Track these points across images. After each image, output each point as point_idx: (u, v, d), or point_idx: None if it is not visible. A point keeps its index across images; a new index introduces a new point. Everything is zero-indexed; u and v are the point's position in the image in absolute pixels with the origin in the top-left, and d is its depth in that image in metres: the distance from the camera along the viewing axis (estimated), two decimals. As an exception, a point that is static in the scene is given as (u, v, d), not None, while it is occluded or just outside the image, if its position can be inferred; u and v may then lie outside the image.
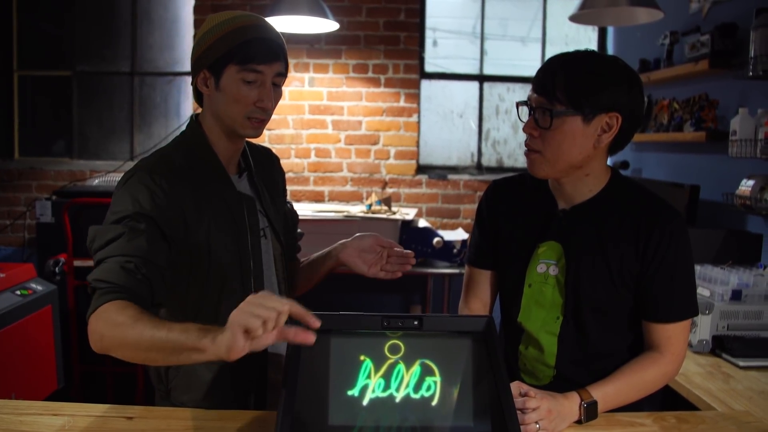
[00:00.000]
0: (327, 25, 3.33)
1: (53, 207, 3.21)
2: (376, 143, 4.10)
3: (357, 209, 3.57)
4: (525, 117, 1.34)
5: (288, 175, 4.05)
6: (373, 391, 0.97)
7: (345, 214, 3.39)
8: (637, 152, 3.52)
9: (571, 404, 1.24)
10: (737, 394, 1.64)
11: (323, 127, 4.08)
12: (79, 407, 1.33)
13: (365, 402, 0.97)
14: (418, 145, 4.14)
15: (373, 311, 1.09)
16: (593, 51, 1.31)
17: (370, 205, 3.55)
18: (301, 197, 4.10)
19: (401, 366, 0.99)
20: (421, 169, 4.18)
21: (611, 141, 1.30)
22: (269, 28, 1.34)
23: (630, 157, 3.54)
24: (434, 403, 0.97)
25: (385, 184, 4.12)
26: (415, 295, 4.01)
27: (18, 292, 2.42)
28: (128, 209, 1.22)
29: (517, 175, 1.51)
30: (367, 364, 0.99)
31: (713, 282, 2.06)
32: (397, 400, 0.97)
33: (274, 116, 4.47)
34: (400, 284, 3.99)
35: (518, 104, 1.35)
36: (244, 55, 1.29)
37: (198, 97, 1.41)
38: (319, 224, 3.28)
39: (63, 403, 1.35)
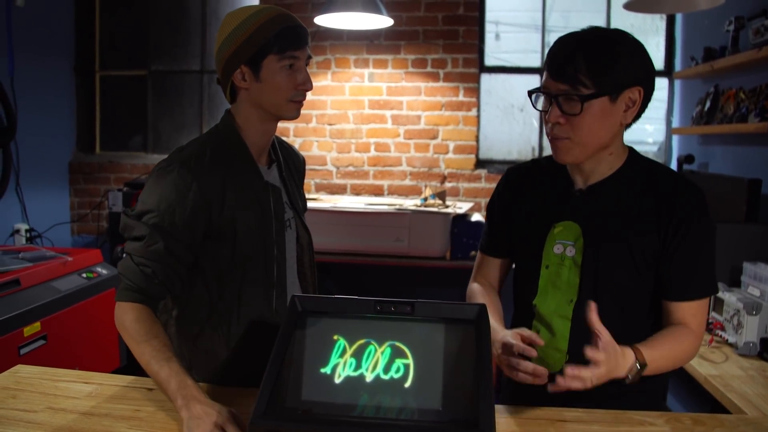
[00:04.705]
0: (381, 21, 3.37)
1: (124, 198, 3.43)
2: (435, 138, 4.10)
3: (413, 203, 3.59)
4: (540, 106, 1.32)
5: (348, 169, 4.15)
6: (344, 369, 1.00)
7: (397, 207, 3.43)
8: (703, 146, 3.35)
9: (625, 362, 1.19)
10: (775, 399, 1.55)
11: (383, 121, 4.13)
12: (107, 377, 1.43)
13: (337, 380, 1.00)
14: (477, 140, 4.11)
15: None
16: (598, 27, 1.28)
17: (425, 199, 3.57)
18: (360, 191, 4.16)
19: (373, 347, 1.02)
20: (480, 163, 4.15)
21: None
22: (292, 16, 1.41)
23: (696, 151, 3.36)
24: (407, 384, 0.99)
25: (444, 179, 4.12)
26: (472, 289, 4.00)
27: (84, 275, 2.62)
28: (153, 205, 1.32)
29: (530, 160, 1.50)
30: (341, 343, 1.02)
31: (764, 281, 1.94)
32: (368, 379, 1.00)
33: (334, 111, 4.52)
34: (457, 277, 4.01)
35: (530, 93, 1.33)
36: (281, 44, 1.36)
37: (232, 92, 1.45)
38: (371, 217, 3.34)
39: (94, 372, 1.46)
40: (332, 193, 4.13)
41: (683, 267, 1.28)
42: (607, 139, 1.28)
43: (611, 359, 1.14)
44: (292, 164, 1.62)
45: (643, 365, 1.21)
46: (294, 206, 1.56)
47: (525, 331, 1.24)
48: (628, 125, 1.32)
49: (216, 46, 1.41)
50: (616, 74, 1.22)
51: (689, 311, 1.30)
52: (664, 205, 1.27)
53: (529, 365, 1.19)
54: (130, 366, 2.97)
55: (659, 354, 1.25)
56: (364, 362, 1.00)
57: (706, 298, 1.32)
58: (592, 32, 1.26)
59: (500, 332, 1.27)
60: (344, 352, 1.01)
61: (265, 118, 1.44)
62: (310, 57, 1.43)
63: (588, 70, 1.21)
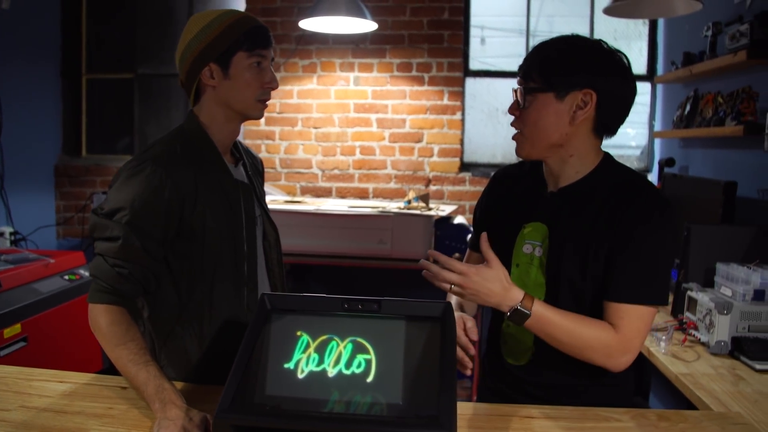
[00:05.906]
0: (366, 25, 3.40)
1: (109, 200, 3.44)
2: (419, 141, 4.13)
3: (396, 206, 3.61)
4: None
5: (333, 173, 4.16)
6: (307, 364, 1.02)
7: (380, 209, 3.45)
8: (684, 149, 3.39)
9: (506, 293, 1.23)
10: (742, 397, 1.58)
11: (368, 125, 4.15)
12: (82, 376, 1.44)
13: (300, 375, 1.02)
14: (462, 143, 4.15)
15: None
16: (576, 35, 1.34)
17: (408, 202, 3.59)
18: (345, 194, 4.18)
19: (335, 342, 1.04)
20: (464, 166, 4.18)
21: (594, 120, 1.31)
22: (256, 18, 1.46)
23: (677, 154, 3.41)
24: (369, 379, 1.00)
25: (428, 182, 4.14)
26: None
27: (66, 277, 2.63)
28: (126, 203, 1.32)
29: (517, 162, 1.54)
30: (304, 339, 1.04)
31: (735, 281, 1.97)
32: (331, 374, 1.01)
33: (320, 114, 4.53)
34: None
35: (514, 91, 1.38)
36: (250, 42, 1.41)
37: (196, 92, 1.46)
38: (354, 219, 3.35)
39: (69, 372, 1.47)
40: (318, 196, 4.14)
41: (621, 267, 1.27)
42: (556, 137, 1.32)
43: (479, 273, 1.23)
44: (252, 164, 1.65)
45: (525, 312, 1.22)
46: (261, 203, 1.59)
47: (469, 321, 1.33)
48: (601, 133, 1.35)
49: (181, 46, 1.43)
50: (564, 73, 1.28)
51: (618, 313, 1.26)
52: (618, 210, 1.29)
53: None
54: (112, 369, 2.97)
55: (557, 319, 1.24)
56: (327, 357, 1.02)
57: (644, 305, 1.26)
58: (563, 37, 1.33)
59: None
60: (307, 347, 1.03)
61: (230, 118, 1.46)
62: (273, 59, 1.49)
63: (539, 65, 1.29)
